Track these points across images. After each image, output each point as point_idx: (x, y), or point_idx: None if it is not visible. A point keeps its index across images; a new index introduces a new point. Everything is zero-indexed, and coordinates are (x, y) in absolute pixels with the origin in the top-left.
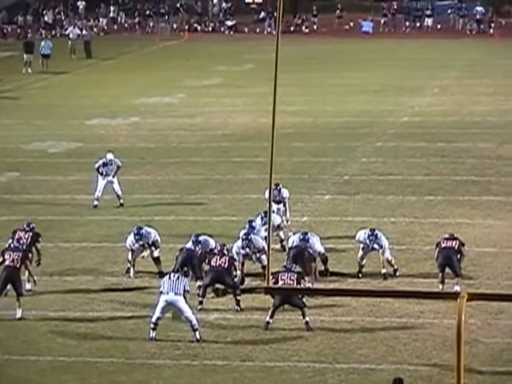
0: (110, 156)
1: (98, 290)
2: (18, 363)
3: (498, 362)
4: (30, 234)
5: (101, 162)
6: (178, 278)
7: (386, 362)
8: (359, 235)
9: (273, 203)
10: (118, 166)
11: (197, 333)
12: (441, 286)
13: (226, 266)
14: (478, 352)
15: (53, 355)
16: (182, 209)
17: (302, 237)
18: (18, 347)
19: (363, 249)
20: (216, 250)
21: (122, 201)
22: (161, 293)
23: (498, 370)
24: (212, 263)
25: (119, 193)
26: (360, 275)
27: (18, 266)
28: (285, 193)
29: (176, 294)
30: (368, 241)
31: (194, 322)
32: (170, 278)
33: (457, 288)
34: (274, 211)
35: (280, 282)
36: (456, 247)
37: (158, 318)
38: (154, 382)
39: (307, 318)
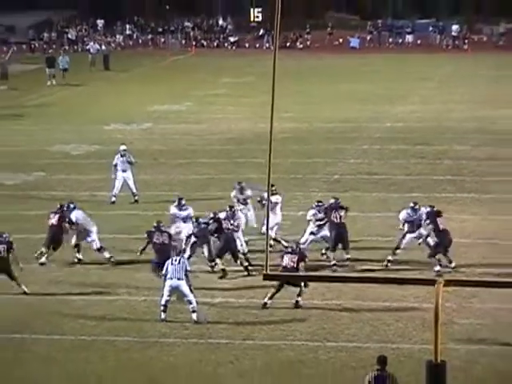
0: (123, 147)
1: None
2: (44, 342)
3: (471, 341)
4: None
5: (116, 156)
6: (179, 262)
7: (372, 340)
8: (401, 214)
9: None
10: (129, 162)
11: (194, 315)
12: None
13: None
14: (454, 332)
15: (75, 335)
16: (190, 204)
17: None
18: (44, 328)
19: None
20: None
21: (136, 197)
22: (165, 277)
23: (471, 348)
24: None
25: (134, 190)
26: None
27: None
28: (248, 191)
29: (179, 278)
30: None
31: (194, 305)
32: (172, 263)
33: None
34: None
35: (284, 261)
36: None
37: (167, 301)
38: (165, 359)
39: (300, 298)
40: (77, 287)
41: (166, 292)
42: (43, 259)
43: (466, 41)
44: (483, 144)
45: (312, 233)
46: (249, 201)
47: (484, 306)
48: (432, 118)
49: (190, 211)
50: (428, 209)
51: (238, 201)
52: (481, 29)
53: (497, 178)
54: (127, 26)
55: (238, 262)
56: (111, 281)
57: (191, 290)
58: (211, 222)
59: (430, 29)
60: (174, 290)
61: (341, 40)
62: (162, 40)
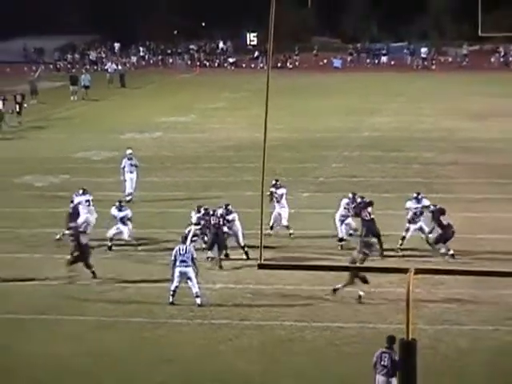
0: (129, 151)
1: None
2: (69, 322)
3: (438, 322)
4: None
5: (124, 160)
6: (186, 249)
7: (352, 321)
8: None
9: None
10: (135, 165)
11: (198, 299)
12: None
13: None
14: (423, 314)
15: (96, 316)
16: (194, 203)
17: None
18: (69, 309)
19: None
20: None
21: (131, 197)
22: (174, 265)
23: (438, 328)
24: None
25: (132, 190)
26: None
27: None
28: (283, 189)
29: (187, 266)
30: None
31: (197, 290)
32: (179, 252)
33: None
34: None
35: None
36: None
37: (176, 287)
38: (173, 337)
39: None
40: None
41: (175, 278)
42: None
43: (434, 61)
44: (447, 151)
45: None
46: (284, 197)
47: (450, 292)
48: (404, 128)
49: (128, 212)
50: (432, 207)
51: (275, 198)
52: (446, 51)
53: (458, 181)
54: (140, 49)
55: (223, 253)
56: (125, 270)
57: (197, 276)
58: (203, 216)
59: (403, 51)
60: (183, 276)
61: (325, 61)
62: (171, 61)
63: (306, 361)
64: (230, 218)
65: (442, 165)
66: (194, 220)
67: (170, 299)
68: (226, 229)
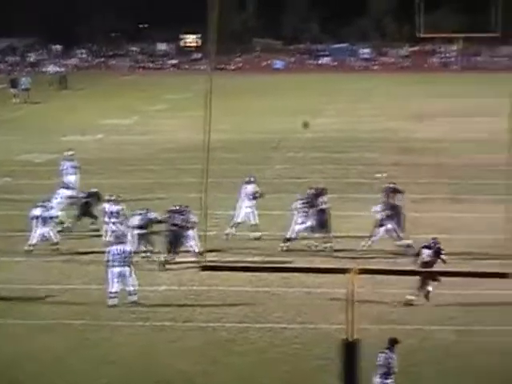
0: (69, 152)
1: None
2: (12, 325)
3: (382, 321)
4: None
5: (62, 162)
6: (123, 250)
7: (295, 322)
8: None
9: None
10: (76, 166)
11: (134, 297)
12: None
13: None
14: (367, 313)
15: (38, 319)
16: (138, 204)
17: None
18: (11, 312)
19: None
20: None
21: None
22: (111, 266)
23: (381, 328)
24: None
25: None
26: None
27: None
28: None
29: (124, 266)
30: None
31: (132, 288)
32: (116, 252)
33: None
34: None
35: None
36: None
37: (115, 288)
38: (116, 339)
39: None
40: (40, 279)
41: (114, 279)
42: None
43: (375, 62)
44: (389, 152)
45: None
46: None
47: (394, 292)
48: (346, 129)
49: (53, 212)
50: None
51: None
52: (387, 52)
53: (401, 181)
54: (82, 51)
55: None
56: (69, 272)
57: (133, 276)
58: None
59: (344, 52)
60: (120, 276)
61: (267, 62)
62: (113, 62)
63: (248, 362)
64: (192, 219)
65: (383, 165)
66: (136, 222)
67: (111, 301)
68: (189, 231)
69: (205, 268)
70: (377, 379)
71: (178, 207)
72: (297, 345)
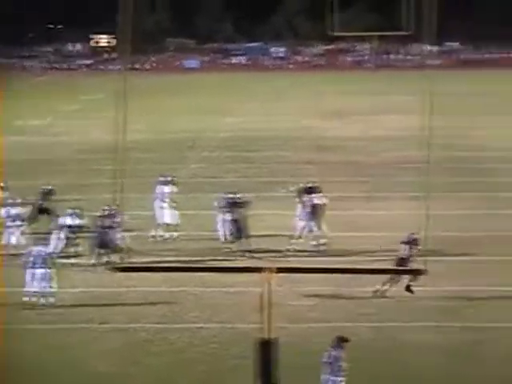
0: None
1: None
2: None
3: (302, 320)
4: None
5: None
6: (42, 251)
7: (212, 321)
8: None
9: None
10: None
11: (49, 298)
12: None
13: None
14: (286, 312)
15: None
16: (56, 206)
17: None
18: None
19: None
20: None
21: None
22: (29, 266)
23: (301, 326)
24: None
25: None
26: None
27: None
28: None
29: (41, 267)
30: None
31: (49, 290)
32: (37, 253)
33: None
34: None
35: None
36: None
37: (32, 288)
38: (31, 341)
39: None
40: None
41: (32, 280)
42: None
43: (289, 61)
44: (303, 150)
45: None
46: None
47: (311, 289)
48: (260, 128)
49: None
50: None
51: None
52: (301, 51)
53: (315, 179)
54: None
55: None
56: None
57: (50, 277)
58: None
59: (258, 51)
60: (38, 277)
61: (181, 61)
62: (28, 64)
63: (166, 362)
64: (118, 220)
65: (296, 163)
66: (62, 223)
67: (29, 301)
68: (115, 232)
69: (118, 269)
70: (325, 376)
71: (106, 208)
72: (215, 344)
